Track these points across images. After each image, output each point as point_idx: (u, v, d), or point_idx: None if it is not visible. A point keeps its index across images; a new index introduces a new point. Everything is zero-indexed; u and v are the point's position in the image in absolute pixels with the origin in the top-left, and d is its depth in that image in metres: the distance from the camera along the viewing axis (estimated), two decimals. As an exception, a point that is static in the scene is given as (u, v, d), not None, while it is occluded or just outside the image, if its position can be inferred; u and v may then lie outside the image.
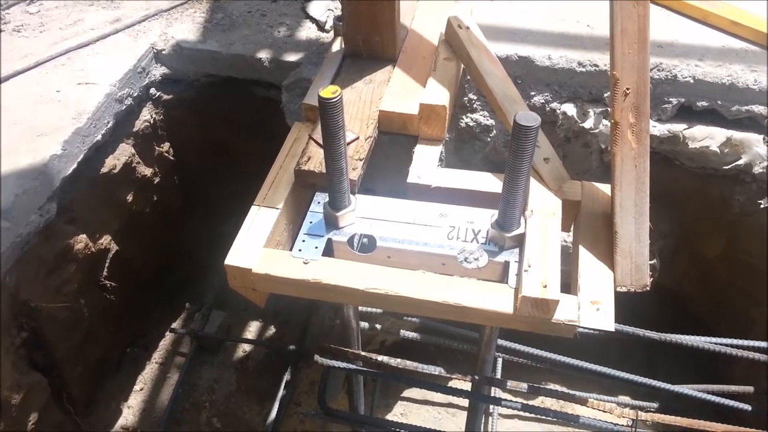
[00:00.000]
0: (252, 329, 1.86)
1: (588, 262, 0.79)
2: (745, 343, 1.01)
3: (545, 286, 0.70)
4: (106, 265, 1.50)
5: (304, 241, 0.83)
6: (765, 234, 1.30)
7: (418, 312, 0.79)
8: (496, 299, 0.73)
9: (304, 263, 0.79)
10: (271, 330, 1.84)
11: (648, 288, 0.76)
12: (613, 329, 0.70)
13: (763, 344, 1.02)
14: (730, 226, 1.38)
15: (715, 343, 0.99)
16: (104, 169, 1.45)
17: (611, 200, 0.79)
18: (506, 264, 0.78)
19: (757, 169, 1.29)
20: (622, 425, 0.90)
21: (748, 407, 1.08)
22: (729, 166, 1.32)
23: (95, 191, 1.43)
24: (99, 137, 1.37)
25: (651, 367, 1.45)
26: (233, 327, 1.84)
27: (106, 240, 1.48)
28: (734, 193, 1.36)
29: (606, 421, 0.92)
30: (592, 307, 0.73)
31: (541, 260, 0.74)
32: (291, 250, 0.82)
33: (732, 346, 0.99)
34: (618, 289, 0.75)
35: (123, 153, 1.52)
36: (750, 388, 1.12)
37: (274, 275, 0.78)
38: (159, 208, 1.68)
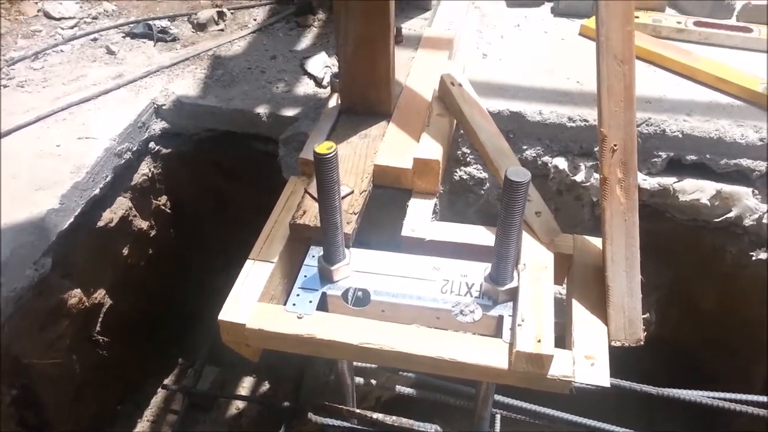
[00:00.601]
0: (246, 385, 1.83)
1: (582, 315, 0.79)
2: (744, 397, 1.00)
3: (539, 341, 0.70)
4: (100, 319, 1.48)
5: (298, 295, 0.83)
6: (759, 286, 1.30)
7: (413, 367, 0.78)
8: (491, 354, 0.73)
9: (298, 318, 0.79)
10: (265, 386, 1.81)
11: (642, 342, 0.76)
12: (608, 384, 0.70)
13: (761, 398, 1.01)
14: (723, 278, 1.39)
15: (712, 398, 0.98)
16: (101, 223, 1.45)
17: (602, 254, 0.80)
18: (500, 318, 0.78)
19: (748, 222, 1.31)
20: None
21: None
22: (720, 219, 1.33)
23: (91, 245, 1.43)
24: (97, 191, 1.38)
25: (650, 420, 1.42)
26: (226, 383, 1.81)
27: (100, 294, 1.47)
28: (726, 245, 1.37)
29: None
30: (587, 362, 0.72)
31: (535, 314, 0.74)
32: (285, 304, 0.82)
33: (730, 400, 0.97)
34: (612, 343, 0.75)
35: (120, 207, 1.52)
36: (752, 445, 1.09)
37: (267, 330, 0.78)
38: (154, 262, 1.67)
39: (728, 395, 1.00)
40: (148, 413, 1.76)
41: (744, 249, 1.33)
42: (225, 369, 1.81)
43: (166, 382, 1.81)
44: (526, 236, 0.87)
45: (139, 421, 1.74)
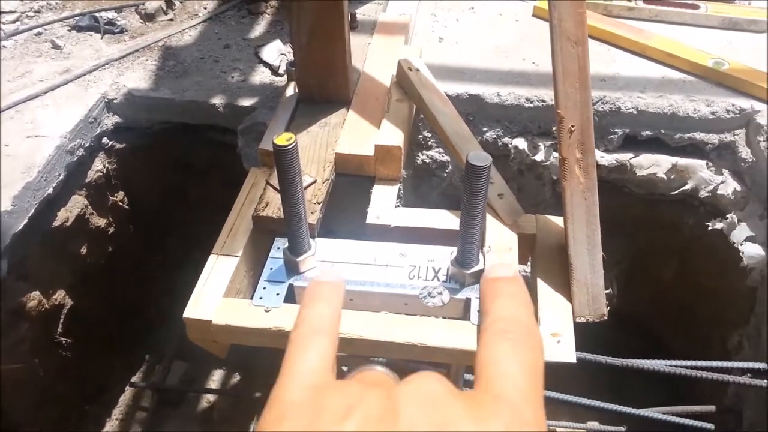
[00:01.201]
0: (216, 378, 1.81)
1: (546, 294, 0.80)
2: (703, 364, 1.04)
3: (506, 322, 0.71)
4: (61, 321, 1.45)
5: (264, 288, 0.82)
6: (715, 255, 1.34)
7: (384, 353, 0.78)
8: (460, 337, 0.74)
9: (266, 311, 0.78)
10: (236, 378, 1.80)
11: (605, 317, 0.78)
12: (574, 361, 0.71)
13: (720, 364, 1.05)
14: (681, 249, 1.43)
15: (675, 366, 1.02)
16: (56, 223, 1.41)
17: (564, 233, 0.81)
18: (468, 301, 0.79)
19: (703, 193, 1.35)
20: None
21: (711, 426, 1.10)
22: (676, 192, 1.37)
23: (47, 245, 1.39)
24: (50, 190, 1.34)
25: (617, 390, 1.46)
26: (196, 377, 1.79)
27: (60, 295, 1.44)
28: (683, 217, 1.41)
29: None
30: (553, 339, 0.74)
31: (501, 296, 0.75)
32: (252, 298, 0.81)
33: (691, 367, 1.01)
34: (577, 320, 0.77)
35: (75, 205, 1.48)
36: (711, 408, 1.14)
37: (234, 326, 0.77)
38: (114, 259, 1.64)
39: (689, 362, 1.04)
40: (117, 412, 1.73)
41: (700, 220, 1.37)
42: (194, 364, 1.80)
43: (133, 379, 1.78)
44: (489, 218, 0.88)
45: (108, 420, 1.72)
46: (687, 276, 1.43)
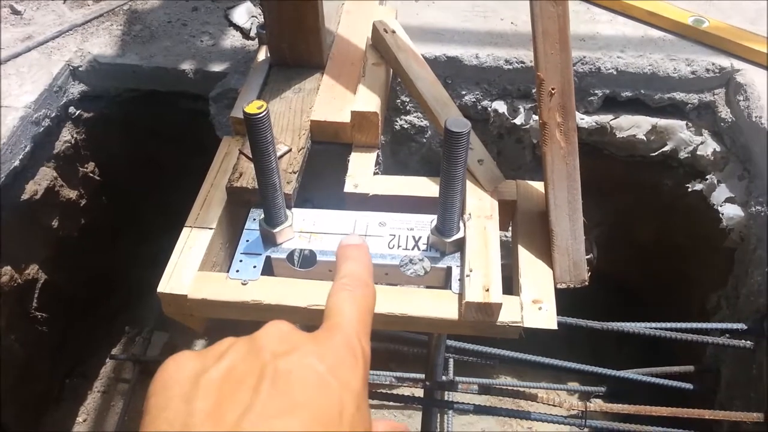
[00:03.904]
0: (198, 348, 1.80)
1: (528, 261, 0.79)
2: (682, 325, 1.05)
3: (487, 290, 0.70)
4: (36, 295, 1.42)
5: (241, 261, 0.80)
6: (693, 216, 1.35)
7: (363, 325, 0.77)
8: (441, 306, 0.73)
9: (243, 284, 0.77)
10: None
11: (586, 283, 0.77)
12: (555, 327, 0.71)
13: (699, 325, 1.06)
14: (661, 211, 1.43)
15: (655, 328, 1.02)
16: (25, 196, 1.37)
17: (545, 199, 0.80)
18: (449, 269, 0.78)
19: (683, 154, 1.34)
20: (572, 417, 0.92)
21: (690, 386, 1.11)
22: (656, 153, 1.36)
23: (17, 219, 1.35)
24: (17, 163, 1.30)
25: (596, 352, 1.48)
26: (177, 348, 1.78)
27: (33, 270, 1.40)
28: (663, 179, 1.41)
29: (557, 415, 0.93)
30: (534, 306, 0.73)
31: (482, 264, 0.74)
32: (228, 271, 0.79)
33: (671, 329, 1.02)
34: (558, 286, 0.76)
35: (44, 177, 1.44)
36: (690, 368, 1.16)
37: (211, 299, 0.75)
38: (88, 232, 1.60)
39: (668, 324, 1.05)
40: (98, 384, 1.72)
41: (680, 181, 1.37)
42: (175, 334, 1.78)
43: (114, 351, 1.76)
44: (469, 185, 0.86)
45: (89, 392, 1.70)
46: (666, 237, 1.44)
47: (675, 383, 1.09)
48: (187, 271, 0.78)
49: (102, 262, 1.69)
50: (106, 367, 1.75)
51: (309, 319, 0.77)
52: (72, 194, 1.55)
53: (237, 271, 0.79)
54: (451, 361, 1.34)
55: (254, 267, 0.79)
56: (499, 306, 0.70)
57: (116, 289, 1.77)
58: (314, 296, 0.75)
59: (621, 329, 1.00)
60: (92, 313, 1.70)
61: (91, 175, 1.62)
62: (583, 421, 0.89)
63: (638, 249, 1.49)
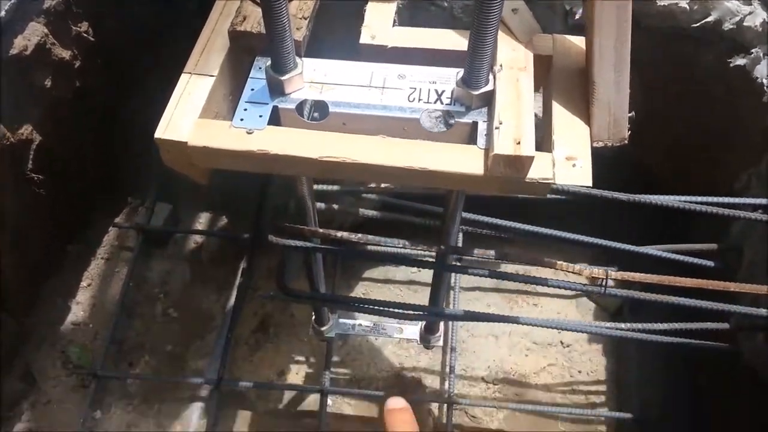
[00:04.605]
0: (202, 221, 1.77)
1: (562, 118, 0.72)
2: (710, 199, 0.99)
3: (518, 143, 0.64)
4: (31, 157, 1.36)
5: (246, 109, 0.73)
6: (732, 94, 1.25)
7: (380, 180, 0.72)
8: (465, 161, 0.67)
9: (248, 133, 0.70)
10: (223, 221, 1.77)
11: (626, 142, 0.70)
12: (590, 184, 0.65)
13: (726, 200, 1.01)
14: (696, 88, 1.34)
15: (684, 201, 0.97)
16: (14, 51, 1.28)
17: (587, 49, 0.72)
18: (474, 124, 0.71)
19: (727, 26, 1.23)
20: (592, 286, 0.89)
21: (711, 263, 1.08)
22: (697, 24, 1.25)
23: (7, 76, 1.27)
24: (2, 13, 1.20)
25: (610, 232, 1.43)
26: (181, 219, 1.75)
27: (26, 130, 1.33)
28: (702, 54, 1.30)
29: (575, 282, 0.90)
30: (568, 163, 0.67)
31: (514, 116, 0.67)
32: (232, 120, 0.72)
33: (699, 203, 0.96)
34: (594, 144, 0.69)
35: (34, 33, 1.34)
36: (713, 246, 1.12)
37: (213, 147, 0.69)
38: (84, 95, 1.52)
39: (697, 198, 0.99)
40: (101, 251, 1.71)
41: (720, 56, 1.26)
42: (178, 205, 1.75)
43: (117, 220, 1.73)
44: (502, 36, 0.78)
45: (92, 259, 1.69)
46: (698, 117, 1.35)
47: (696, 260, 1.06)
48: (187, 118, 0.71)
49: (100, 128, 1.62)
50: (109, 235, 1.73)
51: (321, 172, 0.71)
52: (65, 54, 1.45)
53: (241, 119, 0.72)
54: (461, 235, 1.31)
55: (260, 116, 0.73)
56: (530, 160, 0.63)
57: (117, 156, 1.71)
58: (327, 147, 0.69)
59: (648, 202, 0.95)
60: (92, 180, 1.66)
61: (85, 35, 1.52)
62: (603, 289, 0.86)
63: (666, 129, 1.41)
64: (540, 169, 0.66)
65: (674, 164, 1.43)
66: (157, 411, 1.52)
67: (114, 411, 1.52)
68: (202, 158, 0.70)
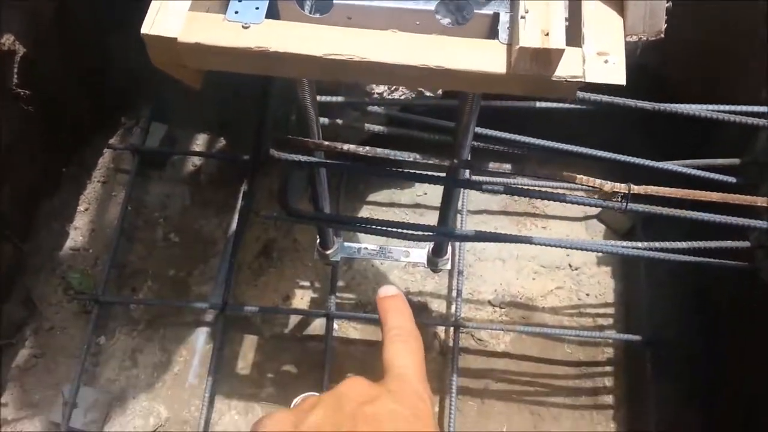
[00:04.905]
0: (199, 142, 1.71)
1: (593, 11, 0.64)
2: (736, 108, 0.93)
3: (546, 34, 0.57)
4: (15, 70, 1.28)
5: (240, 1, 0.66)
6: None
7: (390, 82, 0.66)
8: (486, 58, 0.60)
9: (244, 27, 0.63)
10: (221, 142, 1.70)
11: (662, 35, 0.64)
12: (624, 82, 0.59)
13: (751, 109, 0.94)
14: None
15: (709, 110, 0.91)
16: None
17: (622, -71, 0.64)
18: (495, 16, 0.64)
19: None
20: (612, 202, 0.84)
21: (733, 179, 1.03)
22: None
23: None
24: None
25: (621, 148, 1.37)
26: (177, 140, 1.68)
27: (8, 40, 1.25)
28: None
29: (594, 198, 0.85)
30: (600, 59, 0.60)
31: (541, 4, 0.59)
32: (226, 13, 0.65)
33: (733, 112, 0.90)
34: (628, 38, 0.62)
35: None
36: (736, 161, 1.06)
37: (206, 44, 0.62)
38: (69, 8, 1.42)
39: (721, 107, 0.93)
40: (97, 174, 1.65)
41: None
42: (174, 126, 1.68)
43: (111, 141, 1.67)
44: None
45: (88, 182, 1.64)
46: (724, 24, 1.26)
47: (718, 176, 1.00)
48: (176, 10, 0.64)
49: (88, 43, 1.53)
50: (104, 157, 1.67)
51: (324, 73, 0.65)
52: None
53: (236, 12, 0.64)
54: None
55: (256, 8, 0.65)
56: (559, 53, 0.57)
57: (108, 75, 1.63)
58: (331, 43, 0.62)
59: (675, 111, 0.89)
60: (83, 98, 1.58)
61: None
62: (624, 204, 0.81)
63: (686, 32, 1.32)
64: (569, 66, 0.59)
65: (694, 75, 1.35)
66: (162, 336, 1.51)
67: (118, 336, 1.50)
68: (193, 57, 0.64)
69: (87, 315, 1.49)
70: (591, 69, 0.60)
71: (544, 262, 1.61)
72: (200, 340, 1.51)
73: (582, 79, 0.59)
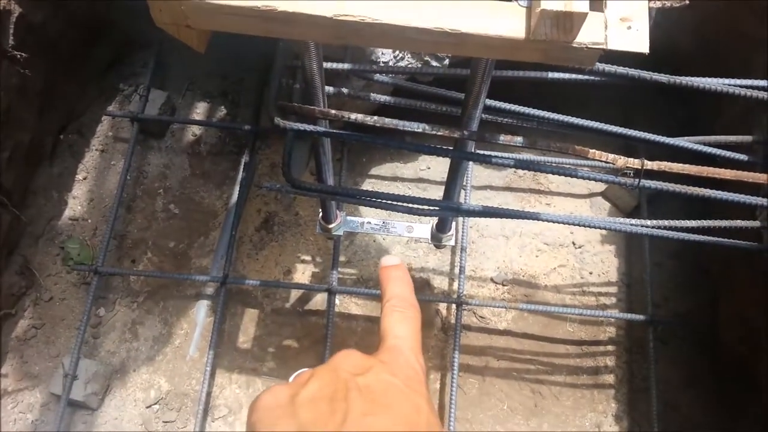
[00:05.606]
0: (199, 111, 1.67)
1: (615, -27, 0.62)
2: (760, 83, 0.90)
3: (569, -3, 0.54)
4: (11, 31, 1.25)
5: (247, -41, 0.63)
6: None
7: (402, 45, 0.63)
8: (504, 21, 0.57)
9: (251, -14, 0.60)
10: (222, 111, 1.67)
11: (687, 1, 0.61)
12: (647, 50, 0.57)
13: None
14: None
15: (728, 84, 0.88)
16: None
17: None
18: (513, -21, 0.61)
19: None
20: (625, 178, 0.82)
21: (744, 157, 1.01)
22: None
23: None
24: None
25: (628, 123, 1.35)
26: (177, 109, 1.65)
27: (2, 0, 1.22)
28: None
29: (607, 173, 0.83)
30: (622, 25, 0.58)
31: (563, -35, 0.57)
32: (231, -27, 0.62)
33: (747, 86, 0.88)
34: (652, 4, 0.60)
35: None
36: (749, 138, 1.04)
37: (212, 3, 0.59)
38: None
39: (738, 81, 0.90)
40: (95, 142, 1.62)
41: None
42: (173, 93, 1.64)
43: (109, 108, 1.63)
44: None
45: (86, 150, 1.61)
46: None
47: (730, 153, 0.98)
48: (180, -32, 0.61)
49: (85, 5, 1.49)
50: (103, 125, 1.64)
51: (334, 36, 0.62)
52: None
53: (243, -30, 0.62)
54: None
55: (265, -32, 0.62)
56: (582, 17, 0.54)
57: (105, 39, 1.59)
58: (342, 4, 0.59)
59: (690, 84, 0.86)
60: (79, 62, 1.54)
61: None
62: (637, 180, 0.79)
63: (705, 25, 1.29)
64: (590, 33, 0.57)
65: (703, 46, 1.32)
66: (163, 308, 1.50)
67: (118, 308, 1.49)
68: (198, 18, 0.61)
69: (87, 286, 1.47)
70: (613, 36, 0.57)
71: (548, 239, 1.59)
72: (201, 313, 1.50)
73: (604, 47, 0.57)
